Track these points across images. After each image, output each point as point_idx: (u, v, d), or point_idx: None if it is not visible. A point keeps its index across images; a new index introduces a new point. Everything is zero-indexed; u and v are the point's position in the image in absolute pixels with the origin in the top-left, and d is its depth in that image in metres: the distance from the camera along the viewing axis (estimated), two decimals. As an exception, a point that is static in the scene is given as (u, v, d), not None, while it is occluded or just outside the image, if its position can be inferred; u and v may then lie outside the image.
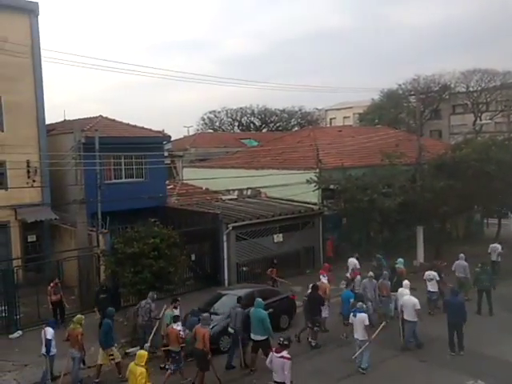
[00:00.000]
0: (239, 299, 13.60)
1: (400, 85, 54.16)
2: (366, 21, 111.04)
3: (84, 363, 12.60)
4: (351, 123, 58.11)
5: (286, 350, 10.15)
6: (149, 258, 14.81)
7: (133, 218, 17.56)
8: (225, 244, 20.49)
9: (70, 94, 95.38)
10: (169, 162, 32.43)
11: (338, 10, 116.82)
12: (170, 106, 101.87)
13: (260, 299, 13.17)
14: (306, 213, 23.41)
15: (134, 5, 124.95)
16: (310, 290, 14.87)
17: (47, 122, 21.72)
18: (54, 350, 12.33)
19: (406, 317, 13.84)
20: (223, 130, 64.48)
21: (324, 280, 16.14)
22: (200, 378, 11.78)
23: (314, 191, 23.43)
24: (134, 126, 24.09)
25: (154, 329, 13.71)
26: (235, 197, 26.36)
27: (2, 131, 20.01)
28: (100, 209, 18.46)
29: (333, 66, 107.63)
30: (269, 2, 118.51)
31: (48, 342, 12.18)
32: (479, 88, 51.96)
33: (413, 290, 14.80)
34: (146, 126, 24.22)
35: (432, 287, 16.62)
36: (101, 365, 12.49)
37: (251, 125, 67.10)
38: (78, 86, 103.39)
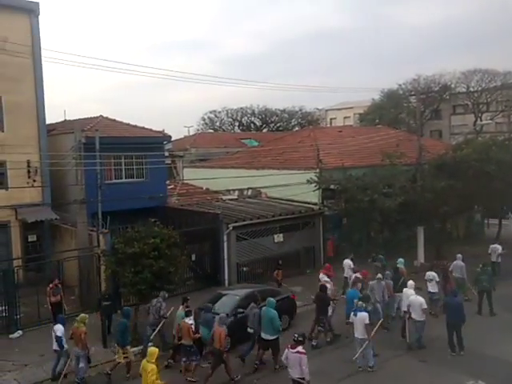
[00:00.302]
0: (256, 300, 13.76)
1: (400, 85, 54.28)
2: (366, 21, 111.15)
3: (90, 361, 12.73)
4: (351, 123, 58.13)
5: (301, 346, 10.43)
6: (149, 258, 14.80)
7: (133, 218, 17.54)
8: (225, 244, 20.49)
9: (71, 93, 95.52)
10: (169, 162, 32.43)
11: (338, 10, 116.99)
12: (170, 106, 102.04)
13: (272, 299, 13.37)
14: (306, 213, 23.41)
15: (134, 5, 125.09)
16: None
17: (47, 121, 21.73)
18: (66, 346, 12.54)
19: (413, 316, 13.90)
20: (223, 130, 64.48)
21: (325, 279, 16.28)
22: (207, 375, 12.00)
23: (314, 191, 23.44)
24: (135, 126, 24.09)
25: (159, 326, 13.91)
26: (235, 197, 26.36)
27: (3, 131, 20.02)
28: (100, 209, 18.45)
29: (333, 66, 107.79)
30: (269, 2, 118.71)
31: (58, 339, 12.43)
32: (480, 88, 51.95)
33: (419, 290, 14.84)
34: (146, 126, 24.23)
35: (432, 288, 16.61)
36: (118, 362, 12.68)
37: (252, 125, 67.11)
38: (79, 86, 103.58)
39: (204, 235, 20.33)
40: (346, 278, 18.06)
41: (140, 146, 22.40)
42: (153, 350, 10.27)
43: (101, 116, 24.13)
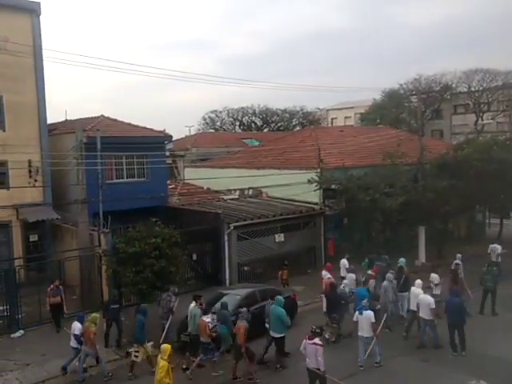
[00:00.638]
0: (272, 297, 13.84)
1: (401, 84, 54.22)
2: (366, 20, 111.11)
3: (98, 361, 12.82)
4: (352, 123, 58.11)
5: (318, 338, 10.77)
6: (150, 258, 14.82)
7: (134, 218, 17.56)
8: (226, 244, 20.49)
9: (72, 93, 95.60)
10: (170, 161, 32.44)
11: (340, 10, 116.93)
12: (171, 106, 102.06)
13: (280, 296, 13.51)
14: (307, 213, 23.41)
15: (136, 4, 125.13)
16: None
17: (49, 121, 21.73)
18: (78, 345, 12.72)
19: (421, 315, 13.94)
20: (224, 130, 64.51)
21: (329, 276, 16.50)
22: (232, 368, 12.34)
23: (315, 191, 23.43)
24: (136, 126, 24.09)
25: (168, 324, 14.10)
26: (236, 196, 26.36)
27: (4, 131, 20.04)
28: (101, 208, 18.47)
29: (334, 65, 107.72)
30: (270, 2, 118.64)
31: (76, 337, 12.64)
32: (481, 88, 51.90)
33: (429, 289, 14.81)
34: (147, 126, 24.24)
35: (435, 290, 16.58)
36: (148, 357, 12.73)
37: (252, 124, 67.13)
38: (80, 85, 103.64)
39: (205, 235, 20.34)
40: (342, 277, 18.09)
41: (141, 146, 22.40)
42: (166, 347, 10.29)
43: (102, 116, 24.13)
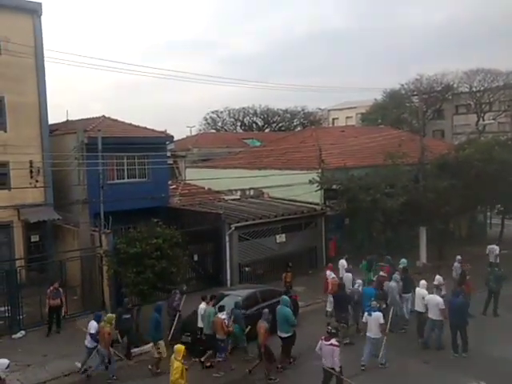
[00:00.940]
0: (288, 296, 14.00)
1: (403, 85, 54.25)
2: (367, 21, 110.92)
3: (110, 362, 12.84)
4: (354, 123, 58.09)
5: (335, 338, 11.04)
6: (151, 259, 14.80)
7: (135, 218, 17.55)
8: (227, 244, 20.48)
9: (73, 94, 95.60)
10: (171, 162, 32.44)
11: (340, 10, 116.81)
12: (172, 106, 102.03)
13: (286, 297, 13.64)
14: (308, 213, 23.39)
15: (135, 5, 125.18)
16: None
17: (50, 122, 21.74)
18: (94, 343, 12.80)
19: (430, 315, 13.91)
20: (226, 130, 64.54)
21: (333, 276, 16.63)
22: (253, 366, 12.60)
23: (316, 191, 23.42)
24: (137, 127, 24.08)
25: (175, 323, 14.27)
26: (238, 197, 26.35)
27: (5, 131, 20.04)
28: (102, 209, 18.44)
29: (335, 66, 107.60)
30: (271, 2, 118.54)
31: (92, 336, 12.74)
32: (482, 88, 51.89)
33: (437, 290, 14.80)
34: (148, 127, 24.23)
35: (443, 290, 16.59)
36: (159, 357, 12.83)
37: (254, 125, 67.17)
38: (81, 85, 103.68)
39: (206, 235, 20.32)
40: (340, 278, 18.09)
41: (142, 146, 22.39)
42: (179, 348, 10.28)
43: (103, 116, 24.13)
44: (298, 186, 22.55)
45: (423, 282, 14.89)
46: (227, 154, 35.39)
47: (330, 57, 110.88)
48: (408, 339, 14.68)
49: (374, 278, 16.89)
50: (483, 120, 49.17)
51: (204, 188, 26.84)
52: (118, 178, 22.21)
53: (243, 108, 65.72)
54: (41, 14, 20.72)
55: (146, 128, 24.06)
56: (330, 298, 16.28)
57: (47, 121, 21.27)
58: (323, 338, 11.17)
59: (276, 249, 21.84)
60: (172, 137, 24.87)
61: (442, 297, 15.68)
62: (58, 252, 19.55)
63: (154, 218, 16.35)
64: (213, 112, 66.14)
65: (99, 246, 17.62)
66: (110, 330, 12.67)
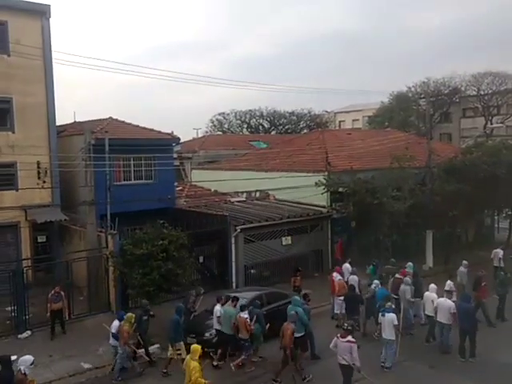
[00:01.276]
0: (305, 296, 14.08)
1: (410, 87, 54.09)
2: (376, 24, 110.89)
3: (130, 360, 12.99)
4: (360, 126, 57.97)
5: (351, 335, 11.14)
6: (157, 260, 14.85)
7: (142, 220, 17.60)
8: (233, 246, 20.48)
9: (81, 95, 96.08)
10: (178, 163, 32.50)
11: (349, 13, 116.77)
12: (179, 108, 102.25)
13: (296, 297, 13.76)
14: (314, 216, 23.33)
15: (143, 7, 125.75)
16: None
17: (57, 123, 21.85)
18: (116, 342, 12.98)
19: (439, 319, 13.83)
20: (232, 132, 64.58)
21: (339, 278, 16.62)
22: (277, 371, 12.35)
23: (322, 194, 23.35)
24: (144, 128, 24.16)
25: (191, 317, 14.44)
26: (244, 199, 26.36)
27: (13, 132, 20.15)
28: (109, 210, 18.50)
29: (342, 68, 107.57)
30: (282, 5, 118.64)
31: (114, 335, 12.95)
32: (490, 91, 51.60)
33: (448, 293, 14.75)
34: (155, 128, 24.31)
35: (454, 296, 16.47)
36: (170, 359, 12.82)
37: (260, 127, 67.19)
38: (89, 87, 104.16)
39: (212, 237, 20.33)
40: (346, 281, 18.01)
41: (149, 148, 22.43)
42: (196, 348, 10.29)
43: (110, 118, 24.24)
44: (305, 189, 22.48)
45: (433, 285, 14.81)
46: (233, 156, 35.41)
47: (337, 60, 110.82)
48: (414, 343, 14.59)
49: (390, 281, 16.81)
50: (491, 123, 48.87)
51: (210, 190, 26.85)
52: (124, 180, 22.30)
53: (250, 110, 65.85)
54: (49, 16, 20.82)
55: (152, 130, 24.14)
56: (337, 300, 16.23)
57: (55, 122, 21.36)
58: (339, 335, 11.27)
59: (282, 251, 21.80)
60: (178, 138, 24.91)
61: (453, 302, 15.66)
62: (65, 253, 19.62)
63: (160, 220, 16.38)
64: (219, 114, 66.35)
65: (105, 247, 17.68)
66: (129, 329, 12.78)
